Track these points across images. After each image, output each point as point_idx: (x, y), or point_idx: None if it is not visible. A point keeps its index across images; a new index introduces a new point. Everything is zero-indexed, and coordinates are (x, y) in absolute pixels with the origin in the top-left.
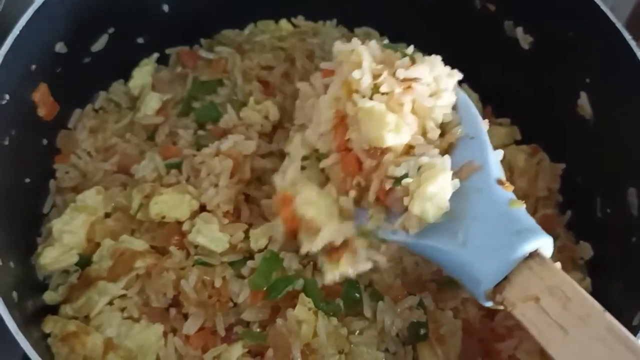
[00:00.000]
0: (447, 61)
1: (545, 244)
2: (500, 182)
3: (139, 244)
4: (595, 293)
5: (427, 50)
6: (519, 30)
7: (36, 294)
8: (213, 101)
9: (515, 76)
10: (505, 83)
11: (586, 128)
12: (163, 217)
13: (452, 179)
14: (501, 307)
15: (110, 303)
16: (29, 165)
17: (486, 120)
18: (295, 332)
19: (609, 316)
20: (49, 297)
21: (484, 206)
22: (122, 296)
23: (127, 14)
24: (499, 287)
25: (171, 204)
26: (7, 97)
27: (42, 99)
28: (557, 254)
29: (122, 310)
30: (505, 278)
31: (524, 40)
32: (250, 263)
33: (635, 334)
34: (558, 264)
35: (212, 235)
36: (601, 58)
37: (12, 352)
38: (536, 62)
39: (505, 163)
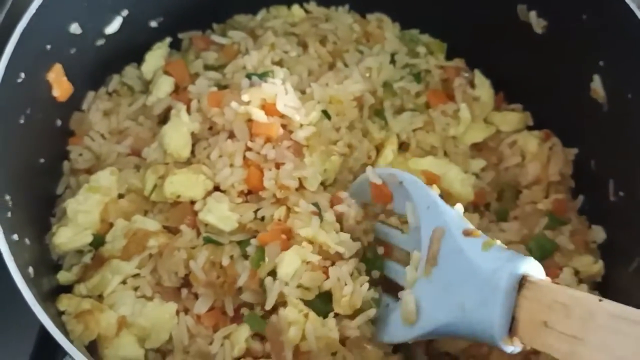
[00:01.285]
0: (460, 47)
1: (528, 267)
2: (467, 233)
3: (152, 224)
4: (608, 276)
5: (440, 36)
6: (533, 14)
7: (51, 274)
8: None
9: (528, 61)
10: (518, 68)
11: (599, 112)
12: (178, 197)
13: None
14: (525, 347)
15: (124, 282)
16: (44, 145)
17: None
18: (285, 332)
19: (605, 303)
20: (63, 277)
21: (463, 265)
22: (135, 275)
23: None
24: (512, 330)
25: (186, 184)
26: (22, 75)
27: (57, 80)
28: (570, 238)
29: (135, 289)
30: (513, 318)
31: (538, 24)
32: (254, 241)
33: None
34: (547, 279)
35: (221, 214)
36: (616, 40)
37: (27, 328)
38: (550, 46)
39: (517, 148)
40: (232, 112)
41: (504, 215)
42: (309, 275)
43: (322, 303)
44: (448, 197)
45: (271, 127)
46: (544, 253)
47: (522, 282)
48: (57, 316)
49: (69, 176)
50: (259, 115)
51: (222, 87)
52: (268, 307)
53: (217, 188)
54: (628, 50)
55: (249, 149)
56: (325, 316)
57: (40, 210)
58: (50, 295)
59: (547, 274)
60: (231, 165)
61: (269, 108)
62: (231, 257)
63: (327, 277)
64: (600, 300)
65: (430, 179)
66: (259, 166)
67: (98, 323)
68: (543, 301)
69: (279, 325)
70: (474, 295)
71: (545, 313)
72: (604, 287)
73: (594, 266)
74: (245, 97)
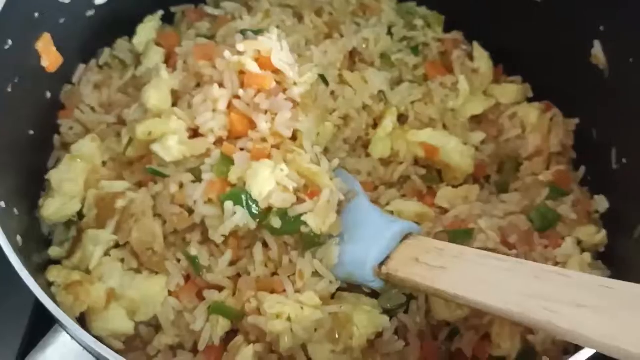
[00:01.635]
0: (457, 19)
1: (414, 229)
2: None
3: (119, 185)
4: (611, 245)
5: (438, 9)
6: None
7: (42, 249)
8: None
9: (528, 31)
10: (517, 39)
11: (600, 78)
12: (150, 135)
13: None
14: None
15: (108, 254)
16: (33, 117)
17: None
18: (275, 342)
19: (474, 249)
20: (54, 252)
21: (362, 216)
22: (118, 246)
23: None
24: (383, 263)
25: (159, 126)
26: (9, 42)
27: (45, 49)
28: (572, 208)
29: (122, 261)
30: (388, 257)
31: None
32: (215, 153)
33: None
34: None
35: (167, 145)
36: (615, 3)
37: (22, 303)
38: (549, 14)
39: (518, 120)
40: (224, 63)
41: (505, 188)
42: (281, 196)
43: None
44: (447, 169)
45: (265, 79)
46: (546, 223)
47: (407, 236)
48: (47, 288)
49: (59, 150)
50: (253, 67)
51: None
52: (222, 232)
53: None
54: (628, 13)
55: (237, 97)
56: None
57: (31, 183)
58: (41, 269)
59: (550, 244)
60: (214, 111)
61: (263, 62)
62: (180, 184)
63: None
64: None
65: (430, 151)
66: (245, 115)
67: (88, 294)
68: (421, 246)
69: (262, 331)
70: (364, 234)
71: (421, 253)
72: (607, 257)
73: (597, 236)
74: (240, 47)
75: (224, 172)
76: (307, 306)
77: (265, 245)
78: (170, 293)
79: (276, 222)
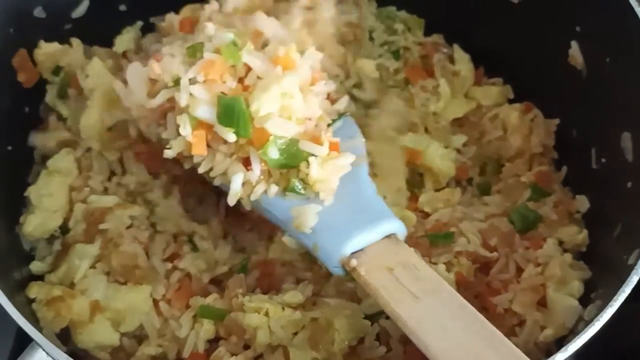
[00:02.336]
0: (437, 23)
1: (399, 229)
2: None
3: (107, 199)
4: (592, 244)
5: (418, 13)
6: None
7: (23, 264)
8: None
9: (506, 33)
10: (496, 42)
11: (578, 78)
12: None
13: None
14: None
15: (93, 267)
16: (10, 132)
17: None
18: (253, 337)
19: (452, 291)
20: (36, 267)
21: (356, 187)
22: (104, 259)
23: None
24: (354, 254)
25: None
26: None
27: (21, 65)
28: (553, 209)
29: (107, 274)
30: (361, 249)
31: None
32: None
33: (629, 273)
34: (411, 250)
35: None
36: (590, 4)
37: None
38: (526, 15)
39: (499, 121)
40: None
41: (487, 189)
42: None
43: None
44: (429, 172)
45: None
46: (527, 224)
47: (390, 235)
48: (27, 304)
49: (40, 165)
50: None
51: None
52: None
53: None
54: (604, 14)
55: None
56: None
57: (11, 200)
58: (22, 285)
59: (531, 245)
60: None
61: None
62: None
63: None
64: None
65: (412, 155)
66: None
67: (70, 309)
68: (400, 257)
69: (241, 327)
70: (347, 213)
71: (398, 265)
72: (589, 256)
73: (579, 236)
74: None
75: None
76: (288, 307)
77: None
78: (162, 298)
79: (273, 152)
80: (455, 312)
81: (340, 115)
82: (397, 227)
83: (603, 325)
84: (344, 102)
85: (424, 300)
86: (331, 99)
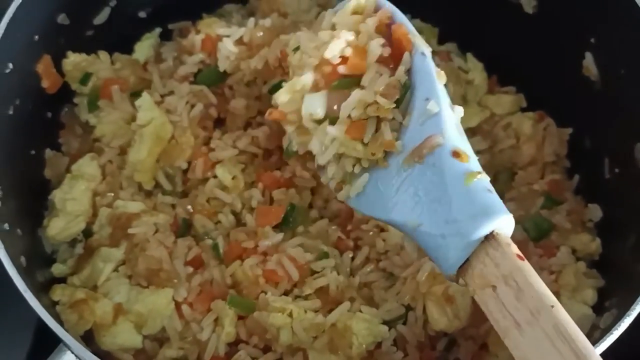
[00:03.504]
0: (450, 30)
1: (503, 223)
2: (456, 154)
3: (134, 205)
4: (606, 254)
5: (429, 19)
6: None
7: (45, 267)
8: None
9: (520, 42)
10: (510, 50)
11: (592, 89)
12: None
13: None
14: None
15: (116, 270)
16: (34, 137)
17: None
18: (275, 337)
19: (557, 311)
20: (58, 269)
21: (437, 186)
22: (128, 261)
23: None
24: (461, 269)
25: None
26: (10, 65)
27: (45, 71)
28: (566, 217)
29: (129, 277)
30: (467, 260)
31: (528, 4)
32: None
33: None
34: (514, 248)
35: None
36: (606, 16)
37: (24, 322)
38: (541, 25)
39: (512, 130)
40: None
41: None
42: None
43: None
44: None
45: None
46: (541, 233)
47: (489, 236)
48: (52, 307)
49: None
50: None
51: None
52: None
53: None
54: (618, 26)
55: None
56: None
57: (33, 203)
58: (44, 287)
59: (545, 253)
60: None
61: None
62: None
63: None
64: (552, 307)
65: None
66: None
67: (93, 312)
68: (501, 269)
69: (264, 327)
70: (436, 224)
71: (499, 282)
72: (602, 265)
73: (591, 244)
74: None
75: None
76: (310, 310)
77: None
78: (184, 302)
79: None
80: (552, 340)
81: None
82: (493, 225)
83: None
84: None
85: (525, 329)
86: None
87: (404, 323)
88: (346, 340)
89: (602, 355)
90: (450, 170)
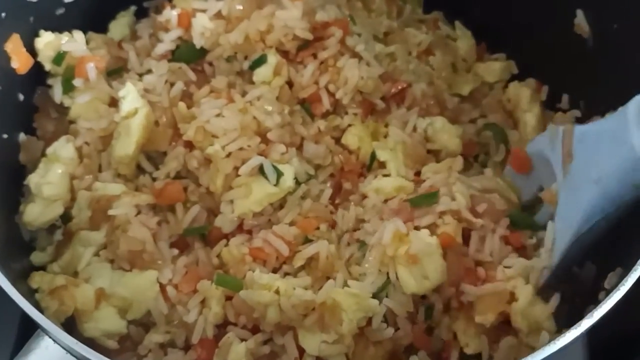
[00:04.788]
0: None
1: None
2: None
3: (114, 188)
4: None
5: None
6: None
7: (24, 255)
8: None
9: (508, 6)
10: (498, 16)
11: (584, 48)
12: None
13: None
14: None
15: (97, 254)
16: (6, 121)
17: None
18: (263, 316)
19: None
20: (37, 257)
21: (605, 138)
22: (109, 246)
23: None
24: None
25: None
26: None
27: (15, 50)
28: None
29: (111, 261)
30: None
31: None
32: None
33: None
34: None
35: None
36: None
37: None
38: None
39: (508, 100)
40: None
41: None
42: None
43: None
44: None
45: None
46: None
47: None
48: (31, 295)
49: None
50: None
51: None
52: None
53: None
54: None
55: None
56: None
57: (8, 189)
58: (24, 275)
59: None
60: None
61: None
62: None
63: None
64: None
65: None
66: None
67: (74, 298)
68: None
69: (251, 306)
70: (611, 147)
71: None
72: None
73: None
74: None
75: None
76: (298, 287)
77: None
78: (169, 283)
79: None
80: None
81: None
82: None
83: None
84: None
85: None
86: None
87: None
88: (336, 317)
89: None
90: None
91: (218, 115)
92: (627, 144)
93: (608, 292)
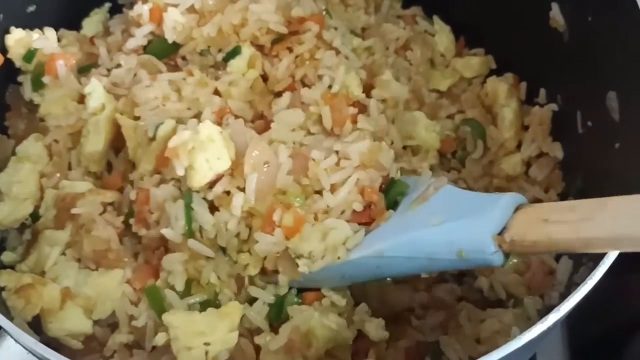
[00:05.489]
0: None
1: (524, 200)
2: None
3: (81, 185)
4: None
5: None
6: None
7: None
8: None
9: (486, 1)
10: (476, 11)
11: (560, 41)
12: None
13: None
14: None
15: (64, 254)
16: None
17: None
18: None
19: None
20: (7, 257)
21: (458, 197)
22: (75, 245)
23: None
24: (501, 233)
25: None
26: None
27: None
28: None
29: (78, 260)
30: (504, 228)
31: None
32: None
33: None
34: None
35: None
36: None
37: None
38: None
39: (486, 95)
40: None
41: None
42: None
43: None
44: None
45: None
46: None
47: (519, 207)
48: None
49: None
50: None
51: None
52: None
53: None
54: None
55: None
56: None
57: None
58: None
59: None
60: None
61: None
62: None
63: None
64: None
65: None
66: None
67: (40, 297)
68: (544, 209)
69: None
70: (466, 210)
71: (548, 214)
72: None
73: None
74: None
75: None
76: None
77: None
78: (127, 282)
79: None
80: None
81: None
82: (519, 198)
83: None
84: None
85: (598, 215)
86: None
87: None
88: (306, 343)
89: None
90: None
91: (148, 86)
92: (480, 224)
93: (577, 286)
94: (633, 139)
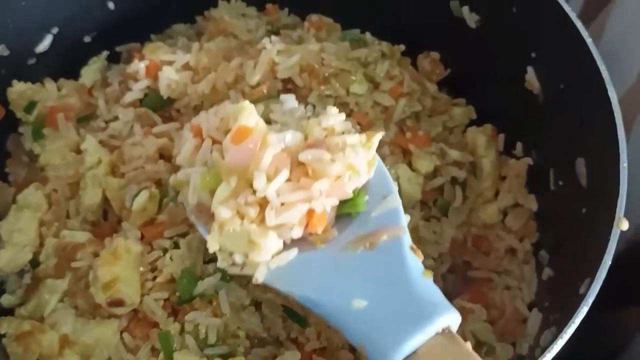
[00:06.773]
0: (399, 44)
1: (453, 320)
2: (413, 250)
3: (80, 235)
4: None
5: (381, 37)
6: (465, 10)
7: None
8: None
9: (466, 57)
10: (458, 65)
11: (535, 103)
12: None
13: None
14: None
15: (62, 301)
16: None
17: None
18: None
19: None
20: (7, 300)
21: (392, 273)
22: (73, 293)
23: (69, 14)
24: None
25: None
26: None
27: None
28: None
29: (75, 308)
30: (414, 352)
31: (471, 19)
32: None
33: (579, 303)
34: (468, 344)
35: None
36: (545, 32)
37: None
38: (484, 40)
39: (465, 145)
40: None
41: (447, 210)
42: None
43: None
44: None
45: None
46: None
47: (443, 329)
48: None
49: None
50: None
51: None
52: None
53: None
54: (558, 41)
55: None
56: None
57: None
58: None
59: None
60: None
61: None
62: None
63: None
64: None
65: None
66: None
67: (39, 344)
68: (451, 353)
69: None
70: (387, 309)
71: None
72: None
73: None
74: None
75: None
76: None
77: None
78: (125, 329)
79: None
80: None
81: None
82: (450, 319)
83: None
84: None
85: None
86: None
87: None
88: None
89: None
90: (411, 261)
91: (136, 144)
92: (394, 341)
93: (543, 350)
94: (599, 207)
